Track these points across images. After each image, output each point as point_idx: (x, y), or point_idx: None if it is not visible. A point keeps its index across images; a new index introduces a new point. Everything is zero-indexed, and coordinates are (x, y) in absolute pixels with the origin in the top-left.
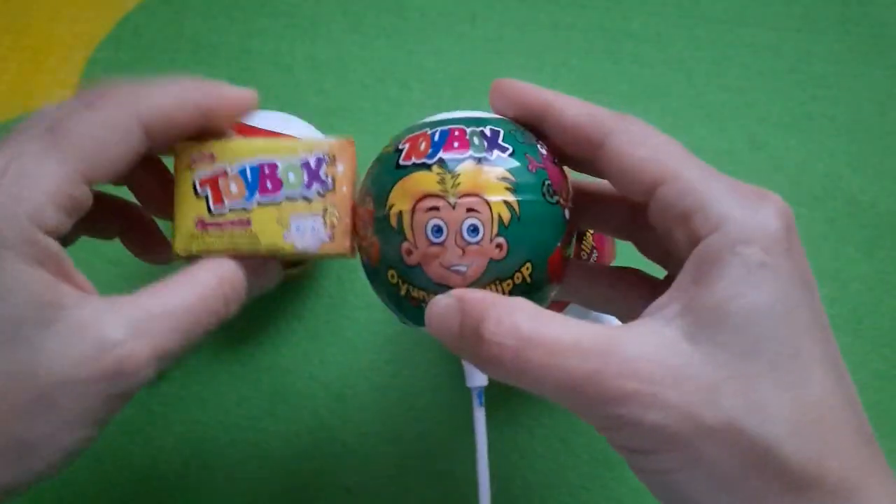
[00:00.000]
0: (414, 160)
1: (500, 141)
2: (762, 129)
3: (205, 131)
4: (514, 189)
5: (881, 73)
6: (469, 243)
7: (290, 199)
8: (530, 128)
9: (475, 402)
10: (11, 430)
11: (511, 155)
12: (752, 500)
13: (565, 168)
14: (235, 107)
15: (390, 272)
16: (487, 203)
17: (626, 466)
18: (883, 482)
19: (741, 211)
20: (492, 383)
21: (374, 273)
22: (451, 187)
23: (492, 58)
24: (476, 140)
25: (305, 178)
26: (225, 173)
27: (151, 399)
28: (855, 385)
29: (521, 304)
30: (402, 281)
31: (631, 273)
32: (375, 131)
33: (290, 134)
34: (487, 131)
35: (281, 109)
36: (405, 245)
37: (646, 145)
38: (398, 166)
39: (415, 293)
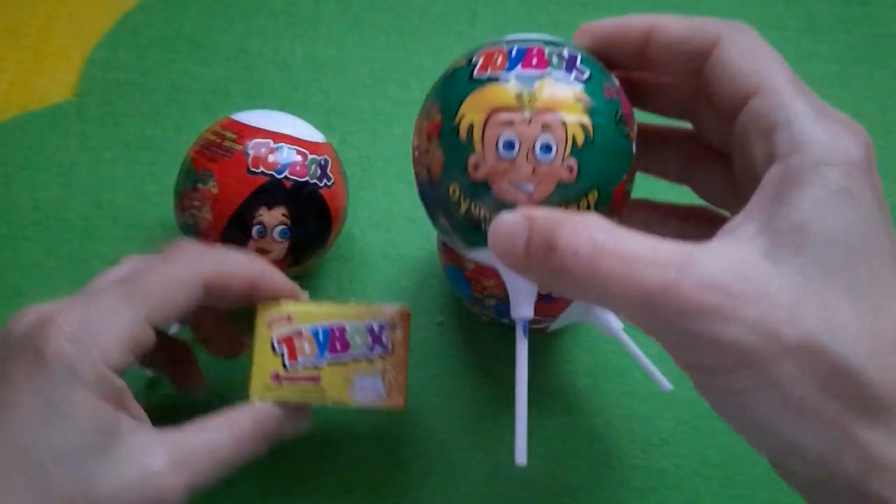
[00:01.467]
0: (490, 73)
1: (578, 63)
2: None
3: (247, 300)
4: (590, 112)
5: (881, 73)
6: (540, 162)
7: (355, 359)
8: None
9: (519, 333)
10: None
11: (589, 78)
12: (827, 423)
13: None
14: (280, 295)
15: (452, 187)
16: (563, 122)
17: (626, 466)
18: None
19: (826, 134)
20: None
21: (433, 189)
22: (528, 102)
23: None
24: (555, 59)
25: (369, 340)
26: (300, 333)
27: (154, 412)
28: None
29: (595, 217)
30: (464, 196)
31: (700, 210)
32: (375, 131)
33: (287, 133)
34: (565, 53)
35: (281, 109)
36: (472, 158)
37: (752, 54)
38: (472, 78)
39: (475, 210)
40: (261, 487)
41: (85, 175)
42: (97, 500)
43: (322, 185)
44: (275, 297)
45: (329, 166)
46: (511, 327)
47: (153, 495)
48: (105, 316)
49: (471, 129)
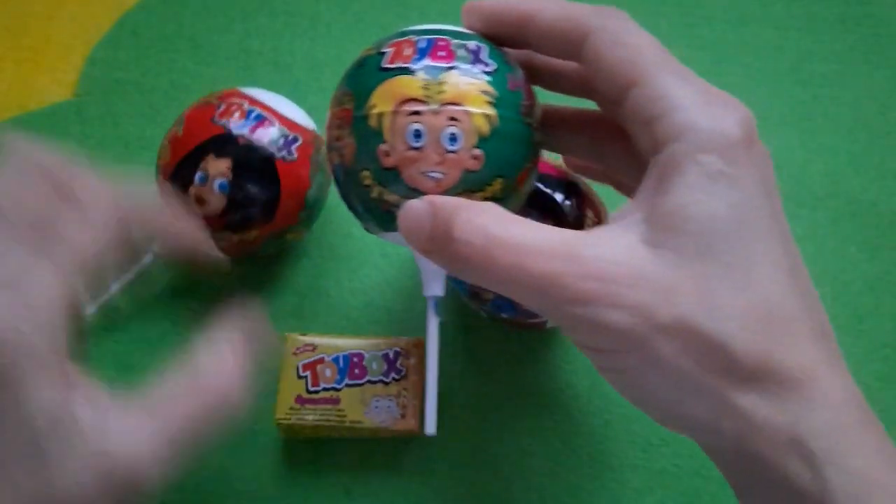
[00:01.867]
0: (399, 63)
1: (483, 56)
2: (762, 129)
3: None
4: (495, 104)
5: (882, 73)
6: (447, 151)
7: (371, 382)
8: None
9: (430, 311)
10: None
11: (493, 71)
12: (707, 394)
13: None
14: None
15: (364, 173)
16: (469, 113)
17: (626, 466)
18: (834, 373)
19: (705, 119)
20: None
21: (347, 174)
22: (435, 94)
23: None
24: (461, 52)
25: (385, 367)
26: (322, 360)
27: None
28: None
29: (490, 206)
30: (375, 183)
31: (611, 125)
32: None
33: (271, 106)
34: (472, 45)
35: None
36: (383, 147)
37: (624, 44)
38: (382, 68)
39: (387, 196)
40: (260, 487)
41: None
42: (62, 494)
43: (279, 156)
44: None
45: (297, 144)
46: (511, 322)
47: (122, 483)
48: (33, 287)
49: (381, 118)
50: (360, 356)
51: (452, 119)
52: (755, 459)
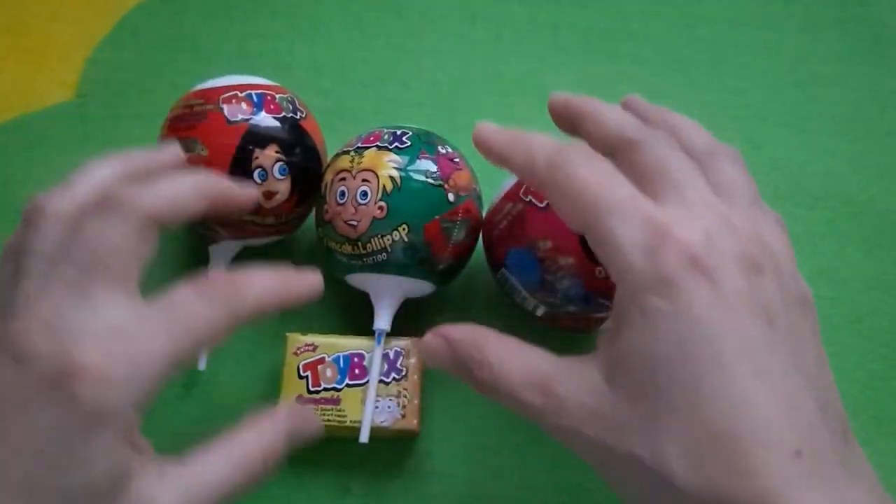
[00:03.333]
0: (344, 148)
1: (402, 138)
2: (762, 129)
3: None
4: (400, 169)
5: (881, 73)
6: (360, 204)
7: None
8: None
9: (377, 341)
10: None
11: (406, 148)
12: None
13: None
14: (236, 201)
15: (319, 230)
16: (377, 175)
17: None
18: (811, 493)
19: (641, 258)
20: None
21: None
22: (356, 164)
23: (492, 58)
24: (385, 136)
25: (385, 367)
26: (323, 360)
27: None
28: (854, 386)
29: (493, 341)
30: (323, 234)
31: None
32: None
33: (247, 83)
34: (399, 132)
35: None
36: (325, 206)
37: (569, 196)
38: (337, 152)
39: (330, 243)
40: (260, 487)
41: None
42: None
43: (298, 117)
44: (230, 206)
45: (297, 101)
46: (570, 317)
47: None
48: (140, 352)
49: (326, 185)
50: (361, 356)
51: (364, 180)
52: None
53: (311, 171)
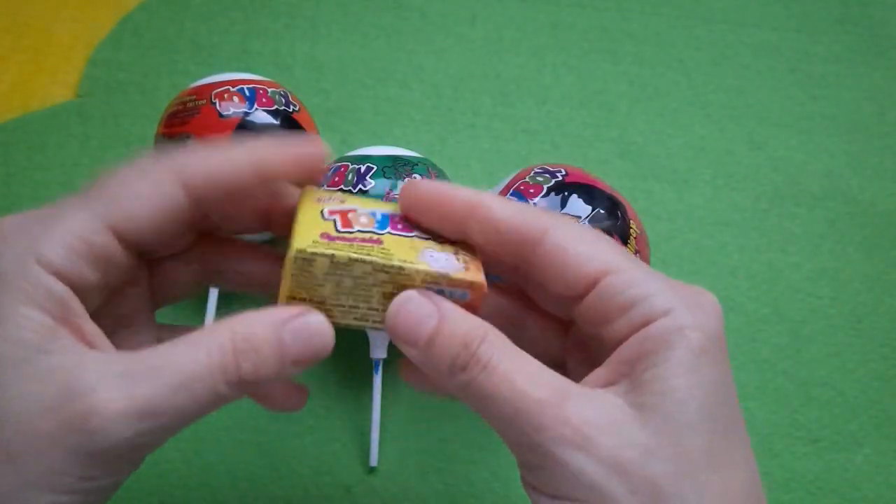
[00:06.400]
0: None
1: (366, 178)
2: (762, 129)
3: (260, 204)
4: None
5: (880, 73)
6: None
7: (420, 237)
8: (454, 237)
9: (375, 370)
10: None
11: (371, 188)
12: None
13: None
14: (302, 166)
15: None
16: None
17: None
18: None
19: (684, 303)
20: None
21: None
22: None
23: (492, 58)
24: (350, 175)
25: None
26: (354, 211)
27: None
28: (854, 386)
29: (499, 340)
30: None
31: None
32: (375, 132)
33: (241, 78)
34: (363, 168)
35: None
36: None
37: (585, 241)
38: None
39: None
40: (261, 486)
41: (87, 175)
42: (9, 432)
43: (291, 110)
44: (299, 176)
45: (290, 95)
46: None
47: (77, 419)
48: (48, 218)
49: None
50: (404, 217)
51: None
52: None
53: None
